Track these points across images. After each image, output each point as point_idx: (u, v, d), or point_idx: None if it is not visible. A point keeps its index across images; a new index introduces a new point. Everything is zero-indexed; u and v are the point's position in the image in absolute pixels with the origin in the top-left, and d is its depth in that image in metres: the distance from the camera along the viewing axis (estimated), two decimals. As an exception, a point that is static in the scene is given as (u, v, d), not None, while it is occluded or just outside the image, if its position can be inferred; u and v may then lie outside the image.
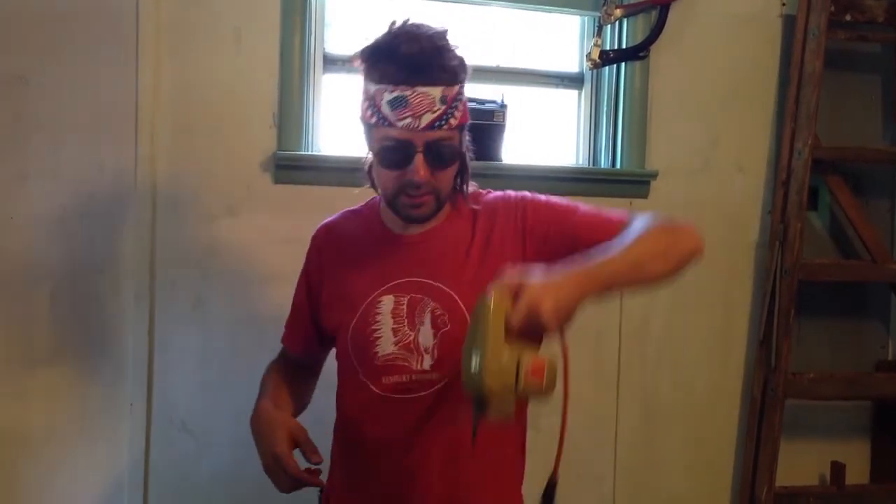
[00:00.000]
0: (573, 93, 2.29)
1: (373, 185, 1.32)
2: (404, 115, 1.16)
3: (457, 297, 1.27)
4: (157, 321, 1.92)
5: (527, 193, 1.33)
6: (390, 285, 1.29)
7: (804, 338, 2.31)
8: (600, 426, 2.22)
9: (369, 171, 1.31)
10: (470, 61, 1.22)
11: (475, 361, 1.01)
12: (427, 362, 1.27)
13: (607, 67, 2.20)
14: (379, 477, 1.30)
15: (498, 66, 2.22)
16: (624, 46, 2.19)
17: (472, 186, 1.35)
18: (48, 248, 1.87)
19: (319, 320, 1.37)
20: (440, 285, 1.27)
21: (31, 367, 1.87)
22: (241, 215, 1.96)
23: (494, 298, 1.02)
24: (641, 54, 2.17)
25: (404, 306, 1.28)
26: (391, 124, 1.17)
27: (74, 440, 1.89)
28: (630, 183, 2.21)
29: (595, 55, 2.12)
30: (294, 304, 1.42)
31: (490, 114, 2.04)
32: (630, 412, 2.23)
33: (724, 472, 2.31)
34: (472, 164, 1.32)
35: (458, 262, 1.28)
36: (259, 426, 1.29)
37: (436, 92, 1.16)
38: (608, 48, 2.18)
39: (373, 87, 1.19)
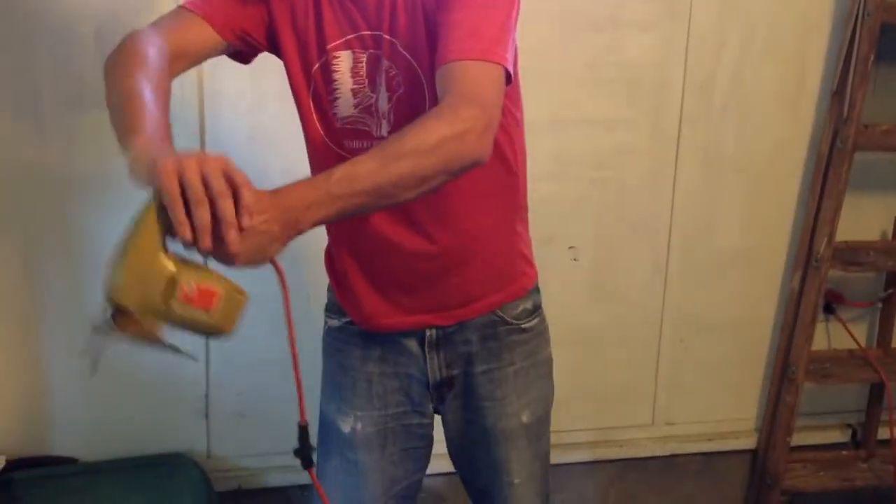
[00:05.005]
0: None
1: None
2: None
3: (409, 56, 1.15)
4: (206, 75, 1.85)
5: None
6: (348, 38, 1.17)
7: (881, 88, 2.18)
8: (657, 181, 2.17)
9: None
10: None
11: (113, 264, 0.88)
12: (385, 128, 1.19)
13: None
14: (357, 252, 1.29)
15: None
16: None
17: None
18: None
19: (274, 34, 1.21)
20: (394, 40, 1.15)
21: (80, 109, 1.83)
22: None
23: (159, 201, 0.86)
24: None
25: (363, 64, 1.17)
26: None
27: (125, 184, 1.88)
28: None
29: None
30: None
31: None
32: (690, 167, 2.17)
33: (783, 226, 2.27)
34: None
35: (412, 13, 1.14)
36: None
37: None
38: None
39: None
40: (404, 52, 1.15)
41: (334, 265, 1.37)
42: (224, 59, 1.29)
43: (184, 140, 1.84)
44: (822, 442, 2.42)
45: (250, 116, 1.90)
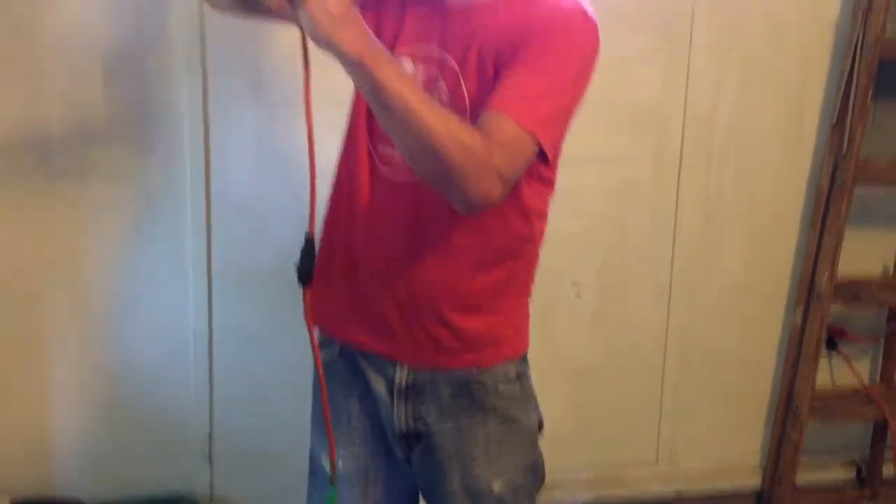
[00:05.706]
0: None
1: None
2: None
3: (466, 95, 1.15)
4: (211, 99, 1.86)
5: (572, 22, 1.15)
6: (413, 46, 1.18)
7: (880, 123, 2.19)
8: (659, 216, 2.18)
9: None
10: None
11: None
12: None
13: None
14: (351, 250, 1.27)
15: None
16: None
17: None
18: (94, 22, 1.79)
19: None
20: (458, 72, 1.15)
21: (89, 143, 1.84)
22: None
23: None
24: None
25: (418, 75, 1.17)
26: None
27: (137, 215, 1.89)
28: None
29: None
30: None
31: None
32: (691, 202, 2.18)
33: (784, 261, 2.28)
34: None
35: (483, 58, 1.13)
36: None
37: None
38: None
39: None
40: (464, 89, 1.15)
41: (331, 264, 1.32)
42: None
43: (187, 162, 1.87)
44: (825, 478, 2.40)
45: (258, 146, 1.92)
